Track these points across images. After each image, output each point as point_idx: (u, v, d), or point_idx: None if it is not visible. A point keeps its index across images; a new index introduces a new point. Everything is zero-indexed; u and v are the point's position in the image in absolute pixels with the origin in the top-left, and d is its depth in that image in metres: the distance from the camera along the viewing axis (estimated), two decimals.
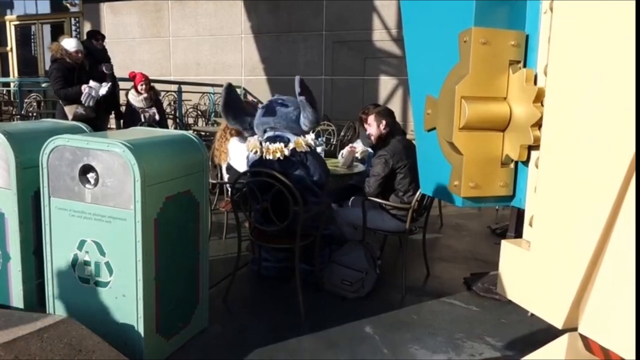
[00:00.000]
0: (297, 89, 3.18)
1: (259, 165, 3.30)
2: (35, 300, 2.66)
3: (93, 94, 5.46)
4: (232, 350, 2.65)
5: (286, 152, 3.24)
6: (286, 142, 3.27)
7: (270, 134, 3.35)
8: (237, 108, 3.51)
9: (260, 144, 3.31)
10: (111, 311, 2.34)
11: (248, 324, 2.99)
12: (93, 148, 2.25)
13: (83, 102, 5.45)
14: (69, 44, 5.54)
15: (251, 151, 3.37)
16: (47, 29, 13.11)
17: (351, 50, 9.62)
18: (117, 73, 7.21)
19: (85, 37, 7.61)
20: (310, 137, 3.34)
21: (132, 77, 6.26)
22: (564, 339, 1.34)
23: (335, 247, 3.54)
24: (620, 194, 1.09)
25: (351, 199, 4.04)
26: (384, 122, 3.69)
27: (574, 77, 1.23)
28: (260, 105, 3.64)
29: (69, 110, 5.48)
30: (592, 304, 1.16)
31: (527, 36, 1.46)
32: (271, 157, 3.24)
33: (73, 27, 12.50)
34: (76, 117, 5.28)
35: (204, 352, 2.63)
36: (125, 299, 2.31)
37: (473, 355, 2.65)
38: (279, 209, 3.05)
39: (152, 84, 6.37)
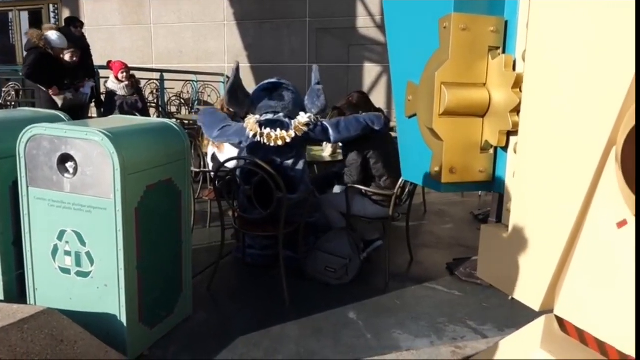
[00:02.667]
0: (317, 79, 3.36)
1: (256, 148, 3.28)
2: (16, 291, 2.63)
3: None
4: (216, 338, 2.65)
5: (288, 140, 3.24)
6: (286, 127, 3.27)
7: (269, 116, 3.33)
8: (240, 92, 3.46)
9: (260, 127, 3.28)
10: (93, 301, 2.33)
11: (232, 311, 2.99)
12: (71, 137, 2.22)
13: (80, 95, 5.91)
14: (55, 41, 5.60)
15: (249, 132, 3.32)
16: (24, 15, 12.79)
17: (335, 38, 9.56)
18: (97, 61, 7.12)
19: (63, 24, 7.48)
20: (302, 117, 3.33)
21: (110, 66, 6.17)
22: (540, 321, 1.37)
23: (321, 236, 3.54)
24: (595, 178, 1.11)
25: (335, 186, 4.04)
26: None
27: (552, 62, 1.24)
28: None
29: (59, 97, 5.58)
30: (568, 287, 1.18)
31: (506, 22, 1.46)
32: (272, 144, 3.24)
33: (52, 14, 12.21)
34: (66, 103, 5.55)
35: (188, 340, 2.63)
36: (107, 288, 2.29)
37: (455, 339, 2.70)
38: (264, 196, 3.04)
39: (132, 72, 6.29)
